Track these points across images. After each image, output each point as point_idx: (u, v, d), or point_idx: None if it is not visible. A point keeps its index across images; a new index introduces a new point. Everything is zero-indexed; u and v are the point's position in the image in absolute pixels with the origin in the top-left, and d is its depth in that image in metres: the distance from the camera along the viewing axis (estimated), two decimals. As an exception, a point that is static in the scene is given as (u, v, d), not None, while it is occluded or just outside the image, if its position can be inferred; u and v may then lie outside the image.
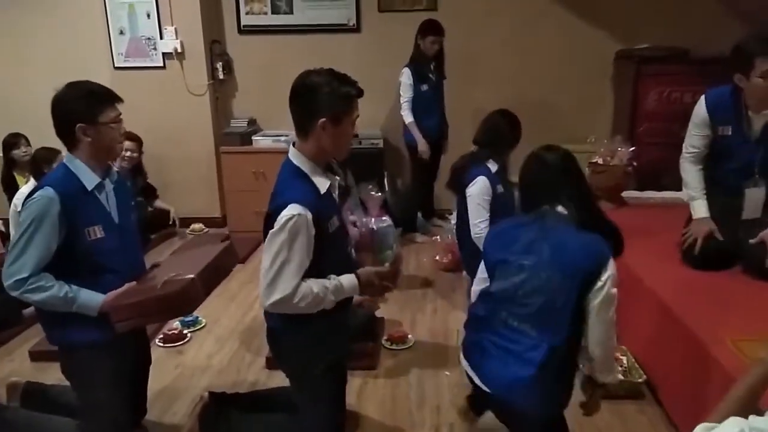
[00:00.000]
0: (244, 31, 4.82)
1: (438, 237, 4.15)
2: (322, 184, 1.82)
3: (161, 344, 3.07)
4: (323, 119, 1.72)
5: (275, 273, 1.71)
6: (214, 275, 2.11)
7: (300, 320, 1.82)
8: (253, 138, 4.68)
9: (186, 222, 4.78)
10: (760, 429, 1.02)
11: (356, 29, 4.75)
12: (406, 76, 4.18)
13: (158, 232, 4.57)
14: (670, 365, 2.38)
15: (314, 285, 1.77)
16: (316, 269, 1.78)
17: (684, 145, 2.72)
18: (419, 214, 4.62)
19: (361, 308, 2.91)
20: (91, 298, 1.86)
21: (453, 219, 3.97)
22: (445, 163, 4.20)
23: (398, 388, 2.67)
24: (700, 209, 2.66)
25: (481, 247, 2.00)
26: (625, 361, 2.64)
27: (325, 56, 4.82)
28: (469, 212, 2.99)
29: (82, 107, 1.85)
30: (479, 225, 2.94)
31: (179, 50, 4.63)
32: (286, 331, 1.90)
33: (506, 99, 3.82)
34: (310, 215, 1.71)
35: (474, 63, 4.63)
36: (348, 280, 1.86)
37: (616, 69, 4.66)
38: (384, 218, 2.00)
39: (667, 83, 4.29)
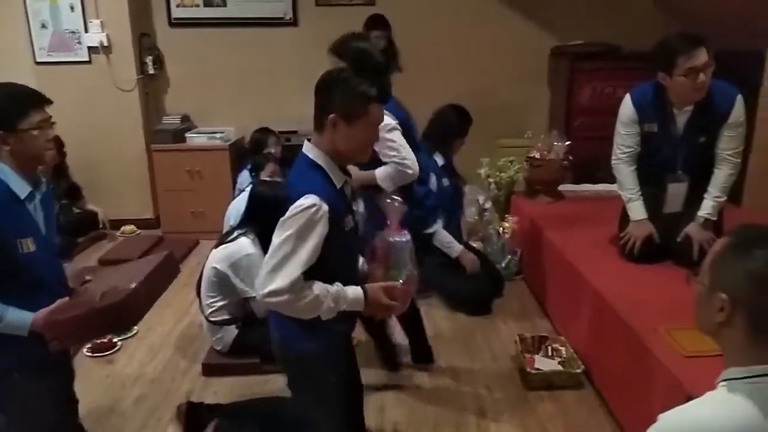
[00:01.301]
0: (175, 24, 4.63)
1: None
2: (338, 178, 1.70)
3: (89, 354, 2.90)
4: (333, 115, 1.62)
5: (278, 261, 1.57)
6: (155, 285, 2.00)
7: (317, 327, 1.67)
8: (187, 135, 4.51)
9: (117, 224, 4.56)
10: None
11: (293, 23, 4.65)
12: None
13: (86, 235, 4.33)
14: (607, 355, 2.43)
15: (315, 286, 1.63)
16: (322, 270, 1.64)
17: (615, 145, 2.74)
18: None
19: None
20: (19, 317, 1.70)
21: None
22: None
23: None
24: (638, 211, 2.68)
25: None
26: (563, 352, 2.68)
27: (262, 51, 4.74)
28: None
29: None
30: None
31: (105, 44, 4.40)
32: (301, 339, 1.72)
33: (444, 94, 3.81)
34: (326, 207, 1.58)
35: (412, 58, 4.59)
36: (354, 291, 1.71)
37: (551, 65, 4.74)
38: (403, 233, 1.92)
39: (601, 79, 4.39)
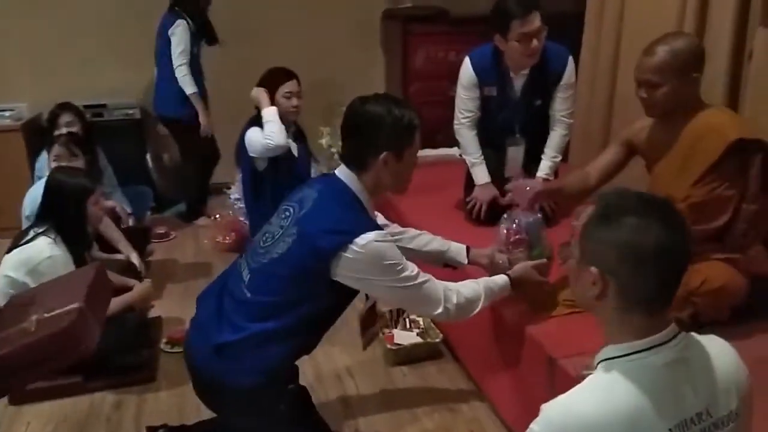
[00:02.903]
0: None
1: (218, 216, 3.76)
2: (372, 215, 1.68)
3: None
4: (386, 153, 1.56)
5: (422, 293, 1.62)
6: (99, 303, 1.64)
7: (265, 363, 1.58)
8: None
9: None
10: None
11: (95, -21, 4.02)
12: (182, 30, 3.54)
13: None
14: (464, 322, 2.40)
15: (463, 290, 1.71)
16: (326, 316, 1.68)
17: (456, 110, 2.71)
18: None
19: (132, 311, 2.48)
20: None
21: (233, 193, 3.64)
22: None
23: (186, 397, 2.32)
24: (481, 175, 2.68)
25: None
26: (421, 323, 2.63)
27: (60, 15, 4.02)
28: None
29: None
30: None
31: None
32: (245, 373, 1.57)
33: (277, 61, 3.51)
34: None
35: (238, 28, 4.21)
36: (500, 279, 1.80)
37: (384, 29, 4.65)
38: (534, 212, 1.96)
39: (433, 43, 4.39)
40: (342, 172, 1.64)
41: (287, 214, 1.62)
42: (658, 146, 1.98)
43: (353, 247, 1.49)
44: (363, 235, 1.49)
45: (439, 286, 1.65)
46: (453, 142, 4.10)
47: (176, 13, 3.61)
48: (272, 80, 2.82)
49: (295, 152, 2.92)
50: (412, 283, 1.58)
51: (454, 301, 1.66)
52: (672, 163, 1.91)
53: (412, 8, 4.40)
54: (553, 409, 0.96)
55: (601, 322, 1.03)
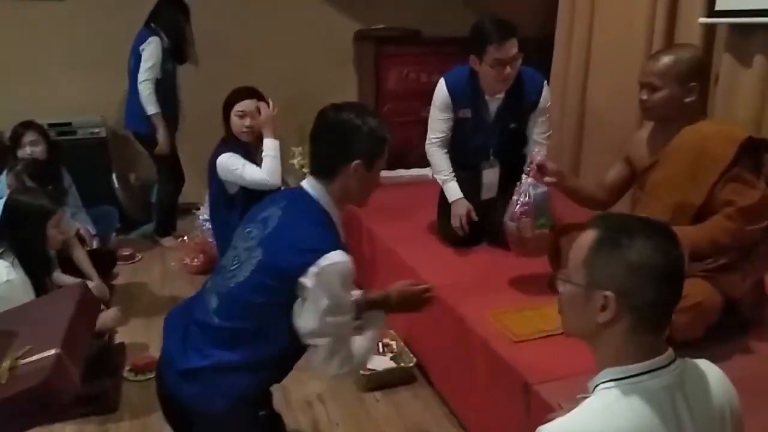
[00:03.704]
0: None
1: (185, 237, 3.67)
2: (340, 227, 1.58)
3: None
4: (357, 161, 1.50)
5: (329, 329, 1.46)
6: (80, 341, 1.46)
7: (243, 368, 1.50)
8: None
9: None
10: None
11: (58, -4, 3.94)
12: (154, 47, 3.48)
13: None
14: (437, 345, 2.37)
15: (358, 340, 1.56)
16: (296, 345, 1.50)
17: (429, 130, 2.69)
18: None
19: (96, 338, 2.37)
20: None
21: (202, 214, 3.56)
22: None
23: (149, 428, 2.22)
24: (453, 191, 2.65)
25: None
26: (394, 346, 2.59)
27: (25, 28, 3.93)
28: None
29: None
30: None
31: None
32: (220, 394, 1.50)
33: (248, 81, 3.47)
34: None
35: (210, 46, 4.16)
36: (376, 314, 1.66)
37: (356, 50, 4.65)
38: (541, 184, 2.09)
39: (405, 63, 4.40)
40: (309, 184, 1.57)
41: (252, 235, 1.55)
42: (658, 154, 1.99)
43: (314, 269, 1.41)
44: (328, 255, 1.43)
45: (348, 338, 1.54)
46: (426, 163, 4.12)
47: (152, 30, 3.56)
48: (231, 97, 2.72)
49: None
50: (342, 319, 1.46)
51: (340, 358, 1.50)
52: (678, 169, 1.90)
53: (384, 29, 4.41)
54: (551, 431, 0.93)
55: (595, 348, 1.01)
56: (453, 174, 2.67)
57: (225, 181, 2.68)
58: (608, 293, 0.95)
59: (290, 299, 1.46)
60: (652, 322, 0.97)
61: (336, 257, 1.43)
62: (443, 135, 2.65)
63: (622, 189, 2.18)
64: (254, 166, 2.63)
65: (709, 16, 2.56)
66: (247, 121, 2.67)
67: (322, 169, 1.56)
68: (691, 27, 2.69)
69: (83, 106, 3.89)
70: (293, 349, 1.55)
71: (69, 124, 3.75)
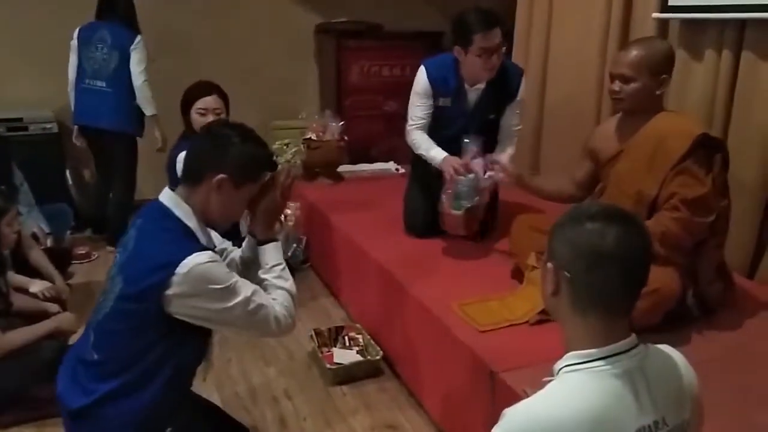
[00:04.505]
0: None
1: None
2: (207, 241, 1.52)
3: None
4: (223, 176, 1.45)
5: (257, 314, 1.47)
6: None
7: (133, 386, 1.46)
8: None
9: None
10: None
11: (7, -15, 3.79)
12: (144, 45, 3.43)
13: None
14: (403, 337, 2.38)
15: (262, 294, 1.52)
16: (183, 354, 1.49)
17: (409, 115, 2.68)
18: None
19: (53, 339, 2.30)
20: None
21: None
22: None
23: (111, 429, 2.17)
24: (439, 153, 2.55)
25: None
26: (361, 340, 2.59)
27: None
28: None
29: None
30: None
31: None
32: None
33: (207, 76, 3.41)
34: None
35: (166, 40, 4.07)
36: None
37: (317, 43, 4.61)
38: (471, 174, 2.38)
39: (367, 57, 4.40)
40: (165, 195, 1.52)
41: (116, 261, 1.51)
42: (623, 145, 2.03)
43: (175, 278, 1.36)
44: (183, 262, 1.37)
45: (267, 301, 1.52)
46: (388, 157, 4.13)
47: (137, 29, 3.45)
48: (190, 93, 2.60)
49: None
50: (250, 308, 1.44)
51: (283, 312, 1.52)
52: (638, 161, 1.96)
53: (345, 23, 4.38)
54: (515, 413, 0.96)
55: (563, 331, 1.04)
56: (434, 143, 2.60)
57: None
58: (549, 264, 1.03)
59: (158, 316, 1.41)
60: (599, 305, 0.98)
61: (193, 260, 1.37)
62: (423, 121, 2.63)
63: (591, 185, 2.24)
64: None
65: (662, 11, 2.64)
66: (210, 118, 2.57)
67: (189, 174, 1.51)
68: (645, 22, 2.76)
69: (34, 101, 3.76)
70: (183, 358, 1.50)
71: (20, 119, 3.61)
